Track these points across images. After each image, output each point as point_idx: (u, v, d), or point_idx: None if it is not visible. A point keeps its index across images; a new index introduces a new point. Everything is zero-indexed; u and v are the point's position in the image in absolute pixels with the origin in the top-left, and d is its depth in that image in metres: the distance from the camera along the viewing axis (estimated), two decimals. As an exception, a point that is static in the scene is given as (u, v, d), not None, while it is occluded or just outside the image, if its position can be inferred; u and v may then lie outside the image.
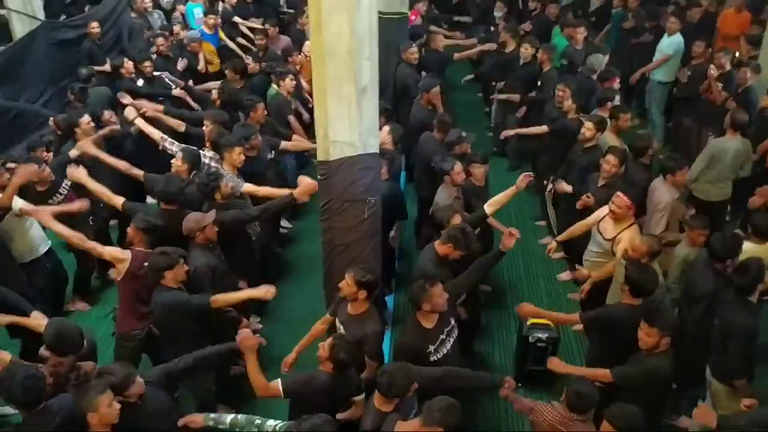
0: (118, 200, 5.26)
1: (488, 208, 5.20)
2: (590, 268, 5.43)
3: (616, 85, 7.30)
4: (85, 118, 6.26)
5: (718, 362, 4.40)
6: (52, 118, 7.11)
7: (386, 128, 6.23)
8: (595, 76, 7.58)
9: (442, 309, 4.11)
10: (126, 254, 4.65)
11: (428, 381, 3.81)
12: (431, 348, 4.08)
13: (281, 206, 5.51)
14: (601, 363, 4.24)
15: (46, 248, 5.72)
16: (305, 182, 5.17)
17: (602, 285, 5.24)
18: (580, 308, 5.76)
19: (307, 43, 8.40)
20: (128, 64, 7.80)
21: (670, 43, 8.51)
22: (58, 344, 3.78)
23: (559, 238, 5.73)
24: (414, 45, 8.05)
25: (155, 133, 6.18)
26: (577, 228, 5.56)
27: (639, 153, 5.96)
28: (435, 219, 5.10)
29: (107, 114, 6.68)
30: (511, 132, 7.51)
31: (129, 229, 4.77)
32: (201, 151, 5.84)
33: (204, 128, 6.24)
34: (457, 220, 4.97)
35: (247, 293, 4.67)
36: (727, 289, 4.41)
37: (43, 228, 5.62)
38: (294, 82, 7.36)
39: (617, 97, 6.87)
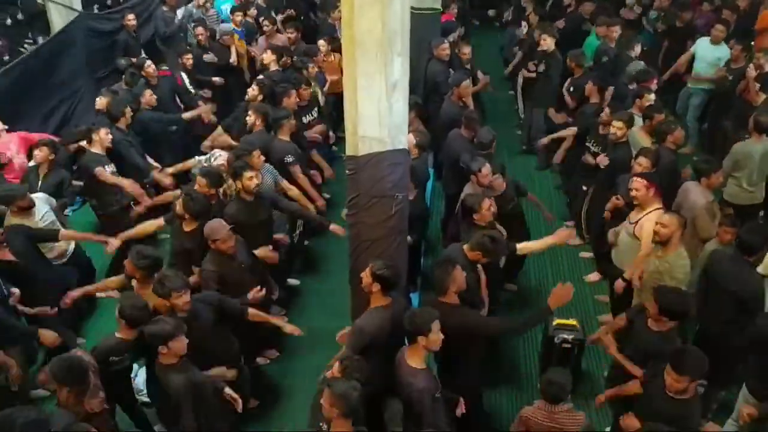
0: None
1: (520, 247, 5.07)
2: (620, 258, 5.36)
3: (654, 86, 7.17)
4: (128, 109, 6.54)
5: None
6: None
7: (411, 137, 5.86)
8: (633, 85, 7.43)
9: (464, 287, 4.24)
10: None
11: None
12: None
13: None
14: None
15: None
16: None
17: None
18: (611, 309, 5.72)
19: (320, 42, 8.39)
20: (150, 69, 7.63)
21: (718, 52, 8.28)
22: (72, 378, 3.73)
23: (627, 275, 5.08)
24: (446, 41, 8.01)
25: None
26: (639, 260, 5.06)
27: (661, 137, 5.94)
28: (465, 204, 5.11)
29: (147, 93, 6.93)
30: (545, 140, 7.32)
31: (126, 264, 4.65)
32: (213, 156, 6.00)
33: (248, 118, 6.44)
34: (486, 204, 5.01)
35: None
36: None
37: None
38: (308, 91, 7.33)
39: (653, 96, 6.75)
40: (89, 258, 6.16)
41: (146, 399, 4.73)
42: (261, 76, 7.55)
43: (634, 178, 5.14)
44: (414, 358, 3.87)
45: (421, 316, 3.83)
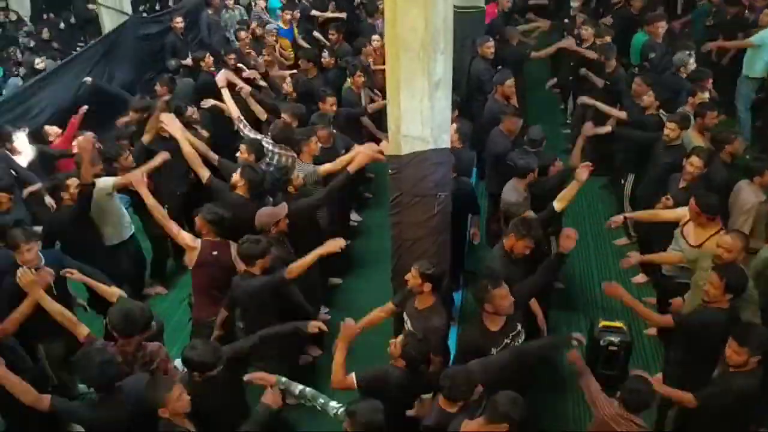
0: (205, 172, 5.38)
1: (557, 204, 4.97)
2: (672, 273, 5.23)
3: (709, 85, 6.91)
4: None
5: None
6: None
7: (453, 125, 6.05)
8: (682, 73, 7.24)
9: (507, 312, 3.98)
10: (197, 243, 4.80)
11: (497, 371, 3.77)
12: (494, 351, 3.99)
13: (341, 183, 5.36)
14: (683, 366, 4.20)
15: (131, 232, 5.96)
16: (360, 154, 5.32)
17: (680, 288, 5.04)
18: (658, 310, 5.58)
19: (375, 37, 8.43)
20: (209, 59, 7.93)
21: (761, 36, 8.02)
22: (125, 325, 3.88)
23: (631, 215, 5.72)
24: (491, 39, 7.95)
25: (234, 111, 6.29)
26: (653, 215, 5.37)
27: (719, 146, 5.65)
28: (507, 215, 5.06)
29: (190, 110, 6.86)
30: (590, 131, 6.40)
31: (197, 219, 4.87)
32: (264, 140, 5.93)
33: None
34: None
35: (317, 252, 4.67)
36: None
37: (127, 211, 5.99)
38: (363, 79, 7.41)
39: (706, 94, 6.54)
40: (143, 254, 6.31)
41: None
42: (296, 73, 7.66)
43: (691, 201, 4.86)
44: (451, 406, 3.60)
45: (459, 382, 3.51)
